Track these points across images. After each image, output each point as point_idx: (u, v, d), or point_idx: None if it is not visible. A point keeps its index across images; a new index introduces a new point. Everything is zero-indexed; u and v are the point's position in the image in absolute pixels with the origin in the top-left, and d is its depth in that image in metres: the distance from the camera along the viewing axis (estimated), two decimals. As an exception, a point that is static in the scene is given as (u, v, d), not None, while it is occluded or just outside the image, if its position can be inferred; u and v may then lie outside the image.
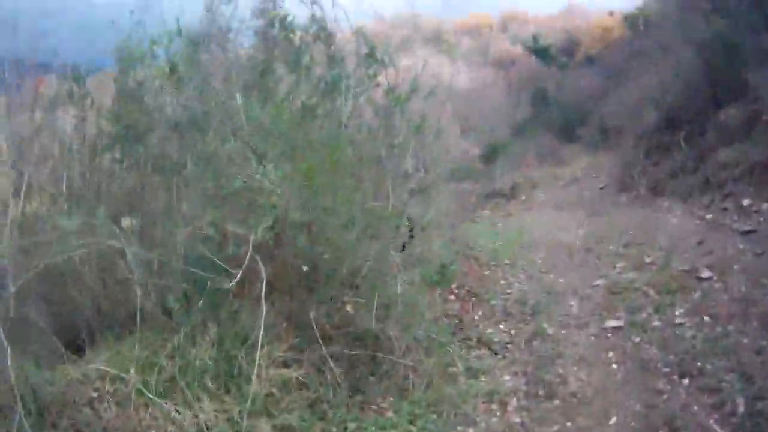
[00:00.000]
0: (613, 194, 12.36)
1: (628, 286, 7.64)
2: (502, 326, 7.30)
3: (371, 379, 5.54)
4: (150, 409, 4.24)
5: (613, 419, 5.08)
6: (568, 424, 5.13)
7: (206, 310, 4.66)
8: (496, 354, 6.61)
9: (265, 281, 4.50)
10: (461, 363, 6.16)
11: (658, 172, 11.71)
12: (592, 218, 11.35)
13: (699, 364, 5.52)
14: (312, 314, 5.11)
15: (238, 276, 4.38)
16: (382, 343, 5.55)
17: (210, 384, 4.49)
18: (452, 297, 8.11)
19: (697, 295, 6.94)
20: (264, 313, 4.45)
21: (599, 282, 8.04)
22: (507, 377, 6.05)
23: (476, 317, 7.62)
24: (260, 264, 4.52)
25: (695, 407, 4.96)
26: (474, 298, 8.12)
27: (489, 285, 8.50)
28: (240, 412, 4.30)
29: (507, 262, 9.34)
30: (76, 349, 4.93)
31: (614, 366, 5.95)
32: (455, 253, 8.55)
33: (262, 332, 4.45)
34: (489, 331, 7.17)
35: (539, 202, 13.27)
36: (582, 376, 5.85)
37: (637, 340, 6.32)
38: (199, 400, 4.35)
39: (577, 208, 12.19)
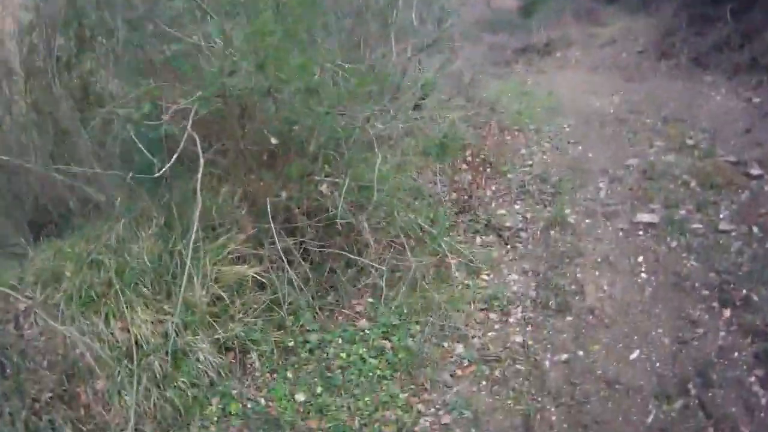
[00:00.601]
0: (651, 60, 10.81)
1: (665, 171, 6.46)
2: (517, 206, 6.23)
3: (344, 277, 4.54)
4: (77, 322, 3.29)
5: (635, 353, 4.14)
6: (580, 352, 4.20)
7: (149, 200, 3.60)
8: (506, 243, 5.60)
9: (202, 165, 3.41)
10: (462, 256, 5.14)
11: (701, 43, 10.16)
12: (628, 84, 9.92)
13: (744, 291, 4.51)
14: (278, 198, 4.05)
15: (173, 160, 3.26)
16: (360, 234, 4.49)
17: (146, 289, 3.51)
18: (464, 166, 6.97)
19: (745, 195, 5.82)
20: (200, 204, 3.38)
21: (633, 161, 6.84)
22: (514, 277, 5.09)
23: (489, 193, 6.53)
24: (198, 144, 3.38)
25: (735, 354, 3.97)
26: (489, 169, 6.98)
27: (508, 154, 7.33)
28: (174, 324, 3.32)
29: (532, 127, 8.08)
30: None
31: (643, 276, 4.96)
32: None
33: (196, 225, 3.40)
34: (501, 212, 6.11)
35: (574, 61, 11.71)
36: (603, 284, 4.88)
37: (674, 244, 5.26)
38: (131, 308, 3.38)
39: (613, 72, 10.70)
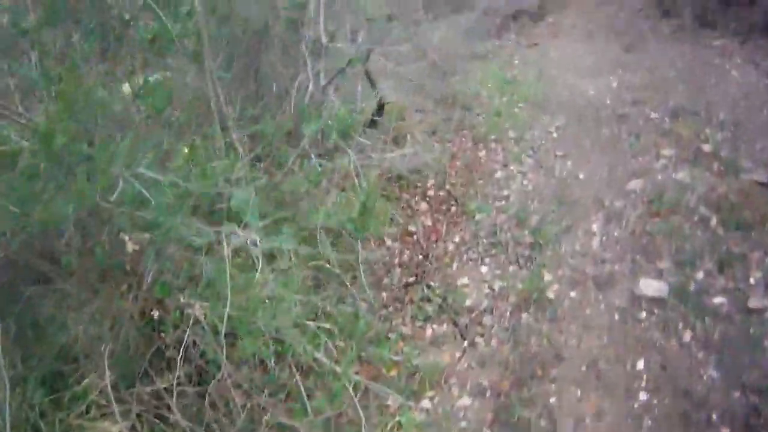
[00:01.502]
0: (652, 20, 9.02)
1: (677, 200, 4.88)
2: (484, 269, 4.69)
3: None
4: None
5: None
6: None
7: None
8: (463, 337, 4.08)
9: None
10: (400, 367, 3.66)
11: None
12: (627, 56, 8.15)
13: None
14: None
15: None
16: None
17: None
18: (423, 205, 5.41)
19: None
20: None
21: (636, 185, 5.25)
22: (465, 402, 3.64)
23: (451, 247, 4.98)
24: None
25: None
26: (454, 207, 5.41)
27: (479, 180, 5.75)
28: None
29: (512, 135, 6.44)
30: None
31: (642, 398, 3.42)
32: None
33: None
34: (462, 281, 4.59)
35: (568, 26, 9.88)
36: (585, 416, 3.35)
37: (687, 337, 3.73)
38: None
39: (611, 38, 8.89)
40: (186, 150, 3.16)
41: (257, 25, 4.70)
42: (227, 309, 2.53)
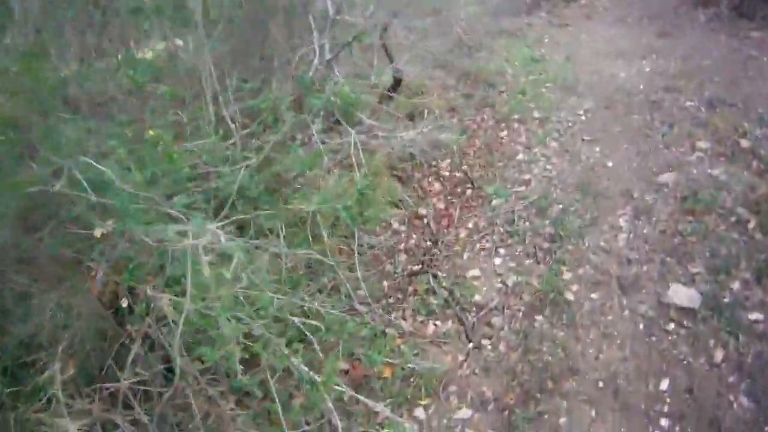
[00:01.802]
0: (688, 7, 8.50)
1: (713, 199, 4.37)
2: (497, 261, 4.25)
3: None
4: None
5: None
6: None
7: None
8: (468, 339, 3.65)
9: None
10: (393, 368, 3.26)
11: None
12: (661, 42, 7.62)
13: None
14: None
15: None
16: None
17: None
18: (436, 185, 4.98)
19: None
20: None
21: (668, 178, 4.77)
22: (464, 414, 3.25)
23: (463, 233, 4.56)
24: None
25: None
26: (470, 190, 4.97)
27: (500, 162, 5.30)
28: None
29: (537, 116, 5.95)
30: None
31: (663, 424, 2.97)
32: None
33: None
34: (473, 272, 4.15)
35: (601, 9, 9.29)
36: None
37: (719, 356, 3.28)
38: None
39: (645, 23, 8.36)
40: (151, 132, 2.73)
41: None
42: (187, 306, 2.12)
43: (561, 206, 4.61)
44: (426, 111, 5.68)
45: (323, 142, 3.77)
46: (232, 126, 3.43)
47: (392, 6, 5.26)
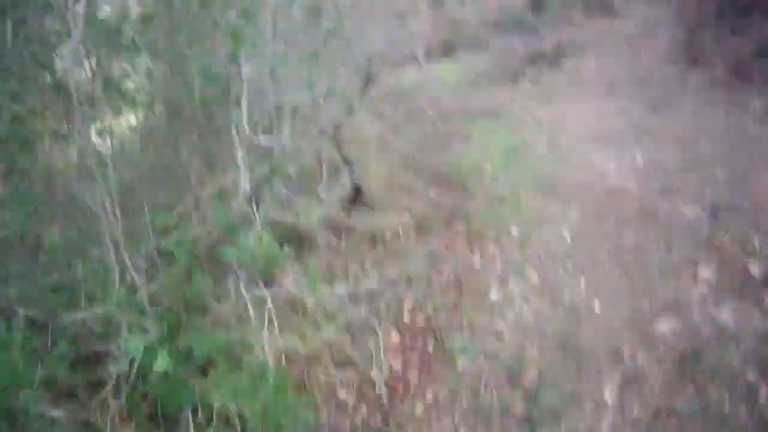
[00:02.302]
0: (680, 69, 7.79)
1: (718, 360, 3.69)
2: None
3: None
4: None
5: None
6: None
7: None
8: None
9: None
10: None
11: (739, 45, 7.29)
12: (656, 118, 6.88)
13: None
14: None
15: None
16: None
17: None
18: (395, 337, 4.26)
19: None
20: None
21: (665, 326, 4.06)
22: None
23: (420, 408, 3.80)
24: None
25: None
26: (433, 345, 4.21)
27: (468, 304, 4.53)
28: None
29: (515, 233, 5.22)
30: None
31: None
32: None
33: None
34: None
35: (588, 73, 8.60)
36: None
37: None
38: None
39: (635, 92, 7.61)
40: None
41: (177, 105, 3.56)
42: None
43: (537, 372, 3.87)
44: (388, 233, 4.99)
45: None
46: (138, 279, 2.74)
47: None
